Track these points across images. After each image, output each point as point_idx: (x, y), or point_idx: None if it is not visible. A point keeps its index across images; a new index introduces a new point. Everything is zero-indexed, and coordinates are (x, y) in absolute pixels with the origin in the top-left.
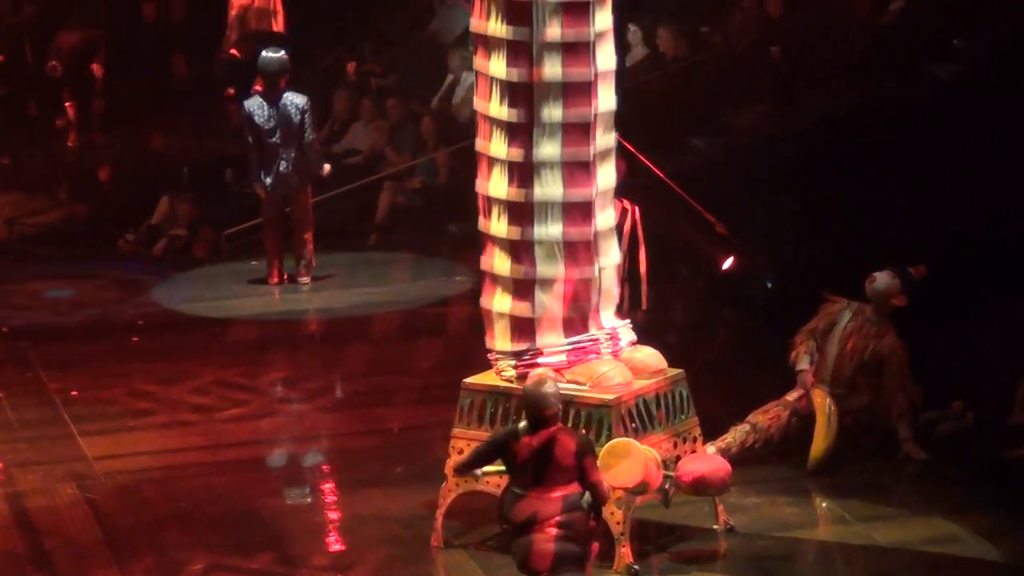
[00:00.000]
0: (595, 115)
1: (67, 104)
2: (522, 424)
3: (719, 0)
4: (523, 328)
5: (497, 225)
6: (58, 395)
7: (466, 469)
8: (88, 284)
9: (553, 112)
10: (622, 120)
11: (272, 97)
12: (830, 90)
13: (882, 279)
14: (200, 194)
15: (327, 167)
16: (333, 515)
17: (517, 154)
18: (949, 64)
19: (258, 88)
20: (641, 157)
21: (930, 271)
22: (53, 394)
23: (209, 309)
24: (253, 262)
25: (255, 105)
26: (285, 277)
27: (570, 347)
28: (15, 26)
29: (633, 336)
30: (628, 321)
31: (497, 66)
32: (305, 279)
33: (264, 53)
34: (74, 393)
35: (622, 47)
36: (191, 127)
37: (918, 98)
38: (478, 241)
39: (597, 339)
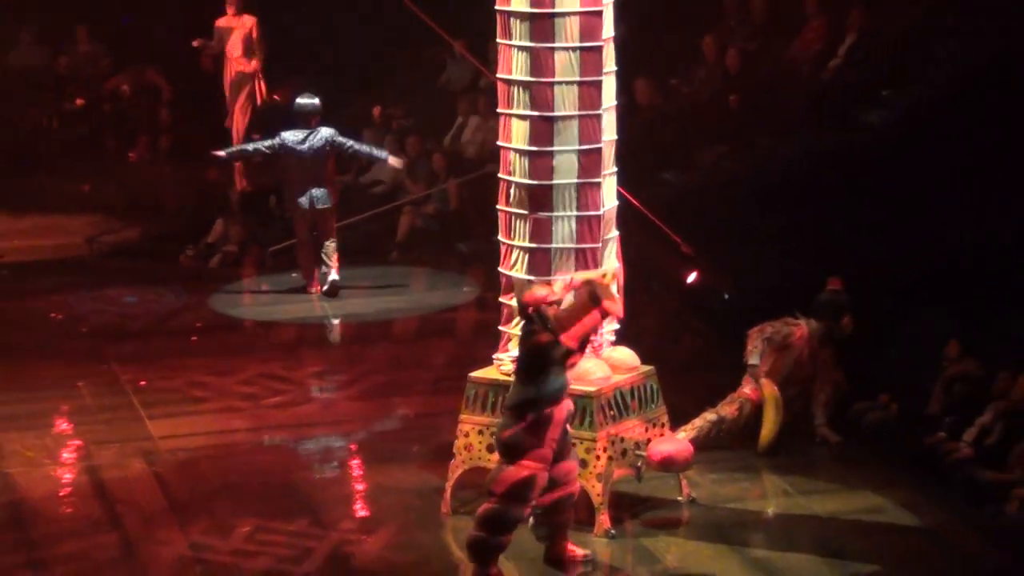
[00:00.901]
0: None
1: (139, 140)
2: None
3: (686, 57)
4: None
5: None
6: (128, 385)
7: None
8: (154, 292)
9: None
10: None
11: (307, 133)
12: (779, 134)
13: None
14: (249, 217)
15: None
16: (359, 487)
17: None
18: (878, 112)
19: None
20: (620, 189)
21: (861, 289)
22: (124, 384)
23: (255, 314)
24: (293, 274)
25: (292, 139)
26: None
27: None
28: (94, 76)
29: (613, 337)
30: (617, 325)
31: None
32: (315, 289)
33: (299, 99)
34: (142, 383)
35: None
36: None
37: (852, 140)
38: (483, 258)
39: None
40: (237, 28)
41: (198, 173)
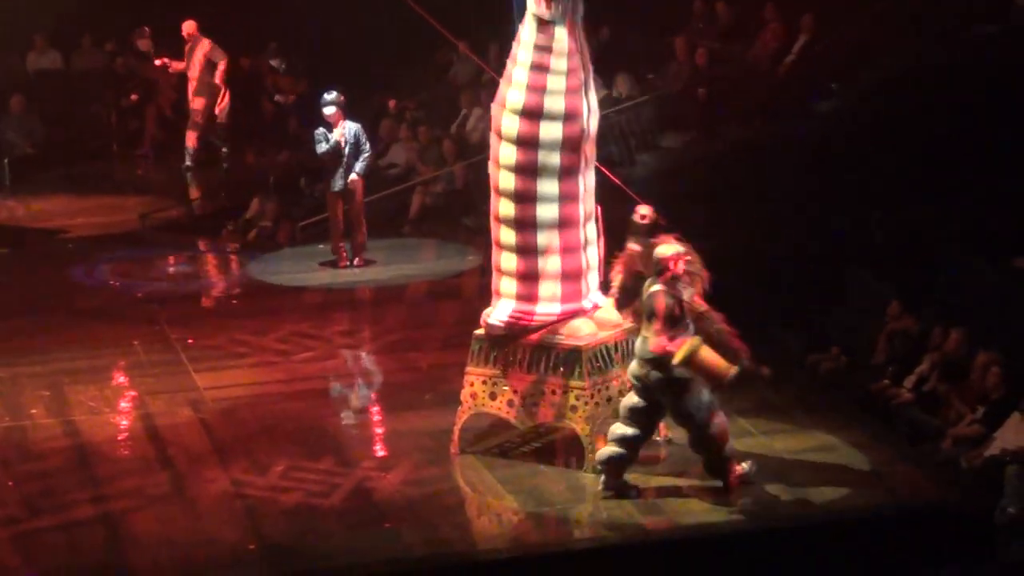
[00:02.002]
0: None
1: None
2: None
3: (661, 54)
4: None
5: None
6: (178, 343)
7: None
8: (200, 262)
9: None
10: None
11: (333, 125)
12: (742, 122)
13: None
14: (282, 195)
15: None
16: (379, 430)
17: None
18: (829, 102)
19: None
20: (602, 168)
21: (816, 257)
22: (174, 342)
23: (288, 280)
24: (320, 246)
25: (322, 132)
26: (348, 260)
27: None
28: (145, 79)
29: (604, 299)
30: (609, 300)
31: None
32: (359, 264)
33: (324, 95)
34: (190, 341)
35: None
36: (275, 147)
37: (806, 127)
38: (485, 231)
39: (585, 309)
40: (198, 47)
41: (238, 156)
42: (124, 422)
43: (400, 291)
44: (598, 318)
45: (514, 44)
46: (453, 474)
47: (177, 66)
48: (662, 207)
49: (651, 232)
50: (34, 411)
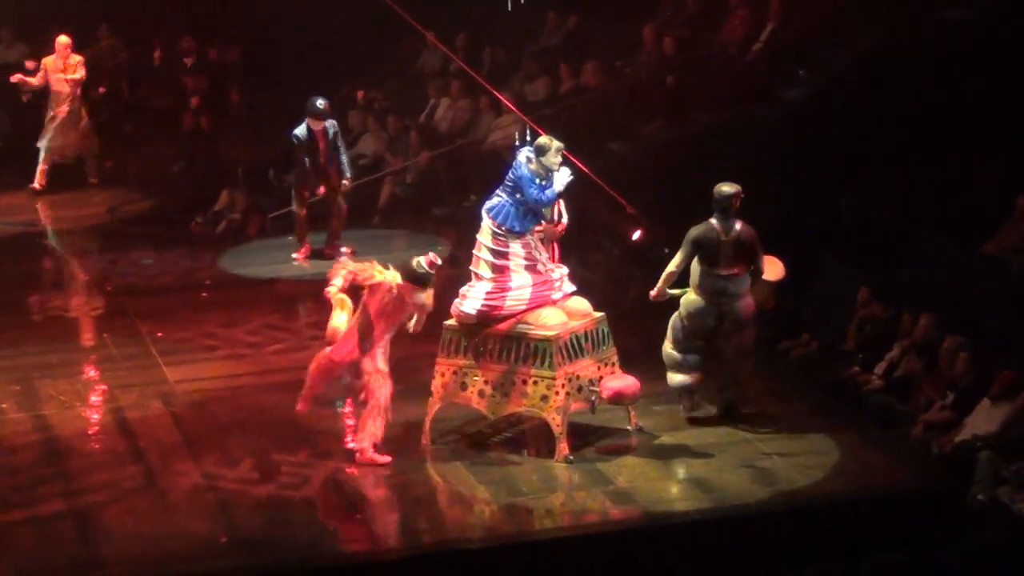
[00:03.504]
0: None
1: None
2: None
3: (629, 43)
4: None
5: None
6: (148, 336)
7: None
8: (169, 255)
9: None
10: (560, 133)
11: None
12: (710, 108)
13: None
14: (251, 188)
15: (346, 182)
16: (350, 421)
17: None
18: (796, 89)
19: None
20: (571, 157)
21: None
22: (144, 335)
23: (258, 272)
24: (289, 237)
25: (303, 133)
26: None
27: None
28: (112, 68)
29: (573, 288)
30: (567, 270)
31: None
32: (346, 250)
33: (318, 101)
34: (159, 334)
35: (554, 80)
36: (243, 140)
37: (772, 115)
38: (454, 221)
39: (551, 280)
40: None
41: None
42: (95, 416)
43: None
44: (568, 307)
45: None
46: (424, 465)
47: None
48: (632, 195)
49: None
50: (4, 405)
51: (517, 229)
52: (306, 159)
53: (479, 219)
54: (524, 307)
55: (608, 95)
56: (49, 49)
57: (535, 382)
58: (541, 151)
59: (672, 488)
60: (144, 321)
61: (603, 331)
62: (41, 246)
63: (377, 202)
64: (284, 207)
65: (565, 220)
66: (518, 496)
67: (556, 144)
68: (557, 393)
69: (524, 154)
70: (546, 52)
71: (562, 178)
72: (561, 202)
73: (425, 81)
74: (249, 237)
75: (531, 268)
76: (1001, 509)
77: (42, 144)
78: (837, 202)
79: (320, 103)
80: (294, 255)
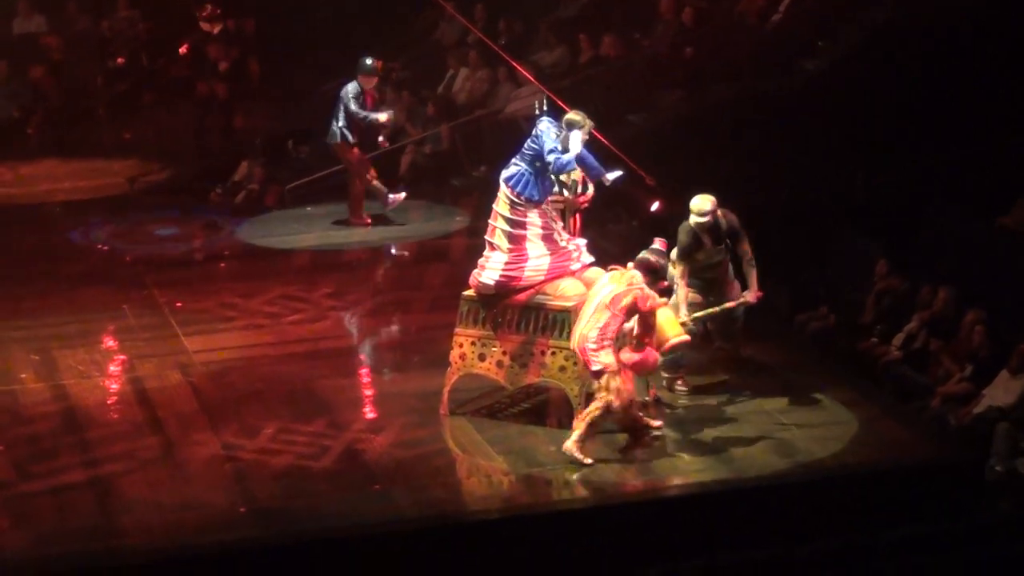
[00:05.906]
0: None
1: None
2: None
3: (647, 14)
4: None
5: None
6: (166, 306)
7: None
8: (189, 225)
9: None
10: (582, 104)
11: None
12: (728, 80)
13: None
14: (270, 159)
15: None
16: (368, 392)
17: None
18: (815, 60)
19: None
20: (593, 131)
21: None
22: (163, 306)
23: (276, 243)
24: (308, 208)
25: (355, 90)
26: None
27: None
28: (132, 38)
29: (591, 259)
30: (586, 241)
31: None
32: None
33: (362, 58)
34: (178, 304)
35: (572, 50)
36: (263, 111)
37: (792, 85)
38: (472, 191)
39: (569, 251)
40: None
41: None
42: (114, 386)
43: (388, 253)
44: (586, 279)
45: None
46: (443, 435)
47: None
48: (650, 166)
49: None
50: (24, 375)
51: (536, 198)
52: (363, 115)
53: (496, 188)
54: (543, 278)
55: (627, 66)
56: (66, 20)
57: (553, 353)
58: (571, 126)
59: (690, 459)
60: (163, 291)
61: None
62: (59, 215)
63: (398, 170)
64: (302, 177)
65: (590, 191)
66: (536, 467)
67: (589, 123)
68: (575, 363)
69: (546, 122)
70: (564, 22)
71: (575, 144)
72: (583, 174)
73: (443, 52)
74: (267, 208)
75: (547, 238)
76: (1019, 480)
77: None
78: (855, 174)
79: (370, 62)
80: (391, 196)
